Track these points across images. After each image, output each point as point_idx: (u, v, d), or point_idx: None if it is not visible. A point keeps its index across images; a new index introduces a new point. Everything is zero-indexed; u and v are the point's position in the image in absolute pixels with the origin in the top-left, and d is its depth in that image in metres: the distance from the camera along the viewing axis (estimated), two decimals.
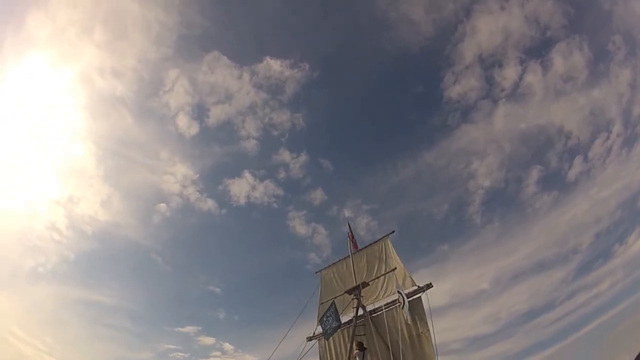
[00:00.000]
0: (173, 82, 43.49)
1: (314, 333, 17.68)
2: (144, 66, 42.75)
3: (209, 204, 46.15)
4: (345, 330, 16.77)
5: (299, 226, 46.48)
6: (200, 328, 43.61)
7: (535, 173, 41.29)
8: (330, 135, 51.23)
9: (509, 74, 40.33)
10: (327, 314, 15.99)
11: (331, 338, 17.01)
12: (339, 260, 19.33)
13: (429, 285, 15.16)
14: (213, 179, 48.28)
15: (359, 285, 16.89)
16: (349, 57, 48.52)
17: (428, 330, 14.53)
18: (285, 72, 44.43)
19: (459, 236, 46.02)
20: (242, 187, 45.87)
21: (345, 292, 17.29)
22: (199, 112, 44.93)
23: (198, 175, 45.96)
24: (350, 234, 19.45)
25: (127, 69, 42.31)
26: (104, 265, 47.44)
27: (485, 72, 41.60)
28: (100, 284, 45.72)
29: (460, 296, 42.51)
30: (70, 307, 42.62)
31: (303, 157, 46.23)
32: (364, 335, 15.88)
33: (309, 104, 48.32)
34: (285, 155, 46.06)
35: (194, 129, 44.89)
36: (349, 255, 18.67)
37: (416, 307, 15.04)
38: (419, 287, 15.36)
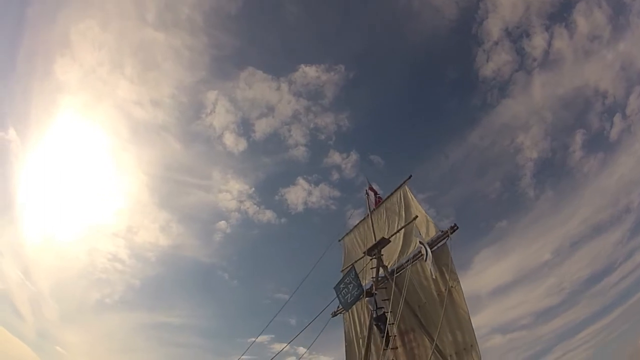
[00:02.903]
0: (213, 103, 44.29)
1: (338, 307, 15.36)
2: (181, 92, 44.02)
3: (268, 215, 46.28)
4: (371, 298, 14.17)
5: None
6: (273, 336, 43.05)
7: (579, 137, 40.96)
8: (376, 130, 50.08)
9: (538, 42, 40.24)
10: (346, 281, 13.62)
11: (354, 308, 14.63)
12: (359, 222, 16.77)
13: (454, 228, 11.94)
14: (268, 191, 48.51)
15: (377, 242, 14.19)
16: (380, 52, 47.67)
17: (458, 282, 11.34)
18: (322, 76, 44.18)
19: (516, 211, 45.64)
20: (298, 194, 45.64)
21: (364, 254, 14.71)
22: (244, 128, 45.50)
23: (253, 189, 46.27)
24: (369, 190, 16.76)
25: (165, 97, 43.54)
26: (171, 288, 48.66)
27: (514, 45, 41.49)
28: (168, 306, 46.99)
29: (524, 271, 42.19)
30: (140, 332, 43.65)
31: (353, 157, 45.45)
32: (387, 300, 13.12)
33: (350, 103, 47.98)
34: (335, 157, 45.45)
35: (242, 145, 45.32)
36: (368, 214, 16.04)
37: (442, 257, 11.94)
38: (442, 232, 12.20)
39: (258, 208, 45.98)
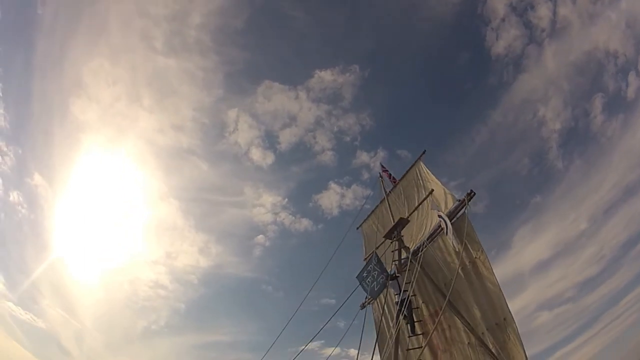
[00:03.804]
0: (235, 121, 46.13)
1: (366, 298, 14.66)
2: (202, 113, 46.13)
3: (304, 223, 46.67)
4: (395, 282, 13.38)
5: None
6: (323, 341, 42.46)
7: (598, 102, 40.72)
8: (399, 125, 50.39)
9: (543, 12, 40.73)
10: (369, 268, 12.98)
11: (381, 296, 13.85)
12: (376, 207, 16.00)
13: (471, 194, 10.98)
14: (301, 199, 49.80)
15: (396, 224, 13.40)
16: (391, 46, 48.09)
17: (483, 252, 10.38)
18: (338, 79, 44.86)
19: (547, 185, 46.09)
20: (331, 199, 45.80)
21: (385, 238, 13.95)
22: (269, 141, 47.02)
23: (286, 199, 47.70)
24: (383, 172, 15.99)
25: (186, 120, 45.39)
26: (216, 307, 50.36)
27: (521, 19, 42.02)
28: (215, 325, 48.50)
29: (563, 244, 42.50)
30: (188, 353, 44.81)
31: (381, 154, 46.34)
32: (408, 282, 12.28)
33: (370, 101, 49.29)
34: (363, 157, 46.38)
35: (270, 158, 46.45)
36: (384, 197, 15.27)
37: (462, 227, 10.98)
38: (459, 201, 11.27)
39: (294, 218, 46.11)
